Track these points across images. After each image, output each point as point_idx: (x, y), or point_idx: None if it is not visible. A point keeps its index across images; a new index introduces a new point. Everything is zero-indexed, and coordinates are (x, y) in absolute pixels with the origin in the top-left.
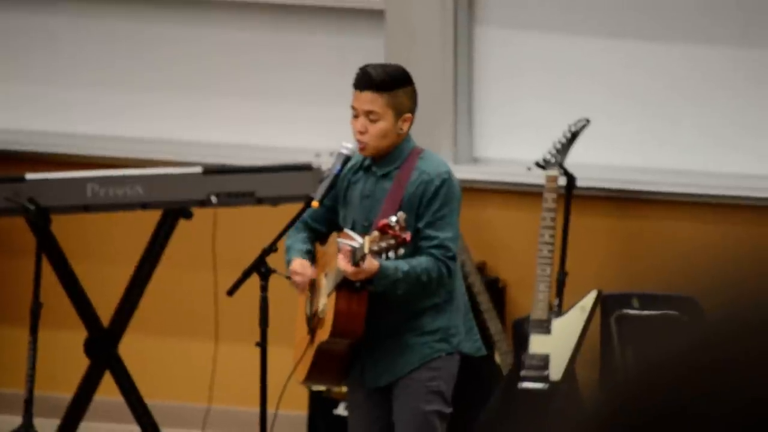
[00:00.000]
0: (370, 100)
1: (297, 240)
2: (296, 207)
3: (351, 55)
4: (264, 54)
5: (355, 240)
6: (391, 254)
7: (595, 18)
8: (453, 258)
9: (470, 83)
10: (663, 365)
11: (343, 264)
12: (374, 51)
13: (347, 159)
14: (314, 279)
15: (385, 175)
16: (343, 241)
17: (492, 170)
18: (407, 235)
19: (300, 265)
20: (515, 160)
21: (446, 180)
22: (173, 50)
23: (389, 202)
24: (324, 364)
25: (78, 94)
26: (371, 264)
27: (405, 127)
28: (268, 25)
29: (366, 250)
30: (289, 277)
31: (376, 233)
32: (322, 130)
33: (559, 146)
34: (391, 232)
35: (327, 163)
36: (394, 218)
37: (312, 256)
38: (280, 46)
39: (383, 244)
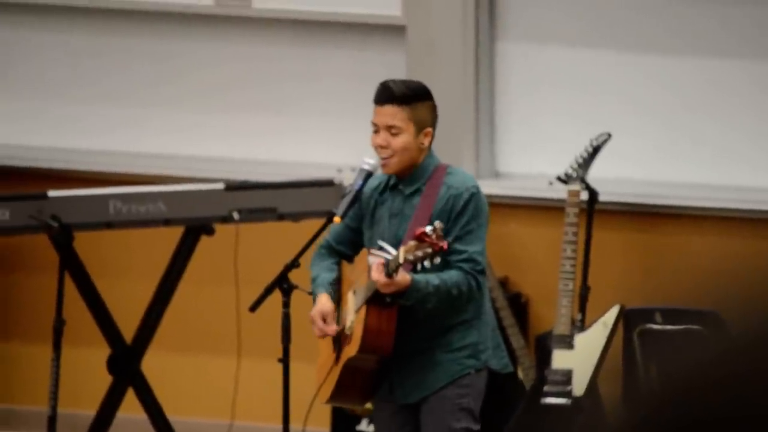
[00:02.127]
0: (392, 113)
1: (323, 268)
2: (318, 223)
3: (373, 71)
4: (286, 69)
5: (389, 252)
6: (426, 263)
7: (615, 33)
8: (482, 272)
9: (492, 98)
10: (686, 378)
11: (376, 274)
12: (396, 66)
13: (369, 174)
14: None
15: (412, 193)
16: (376, 253)
17: (514, 185)
18: (444, 243)
19: (322, 313)
20: (537, 174)
21: (475, 194)
22: (195, 66)
23: (418, 218)
24: (350, 382)
25: (99, 111)
26: (403, 277)
27: (426, 141)
28: (290, 41)
29: (401, 260)
30: (311, 293)
31: (412, 242)
32: (343, 145)
33: (580, 161)
34: (428, 240)
35: (349, 179)
36: (430, 227)
37: (338, 285)
38: (302, 61)
39: (419, 253)
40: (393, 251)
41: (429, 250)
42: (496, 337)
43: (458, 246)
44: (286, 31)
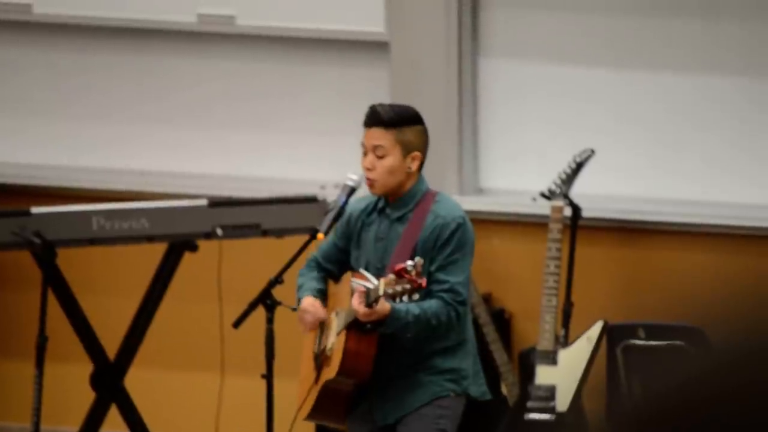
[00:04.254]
0: (378, 136)
1: (309, 278)
2: (302, 239)
3: (356, 87)
4: (270, 86)
5: (370, 281)
6: (404, 299)
7: (598, 48)
8: (463, 303)
9: (475, 114)
10: (670, 395)
11: (356, 304)
12: (379, 83)
13: (353, 190)
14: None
15: (399, 218)
16: (358, 281)
17: (497, 201)
18: (423, 281)
19: (311, 303)
20: (520, 190)
21: (461, 225)
22: (178, 83)
23: (403, 245)
24: (328, 403)
25: (83, 127)
26: (383, 306)
27: (414, 165)
28: (273, 57)
29: (381, 293)
30: (295, 309)
31: (392, 276)
32: (327, 162)
33: (564, 177)
34: (407, 276)
35: (332, 195)
36: (411, 263)
37: (324, 296)
38: (286, 78)
39: (398, 288)
40: (374, 281)
41: (408, 286)
42: (476, 364)
43: (441, 276)
44: (270, 48)
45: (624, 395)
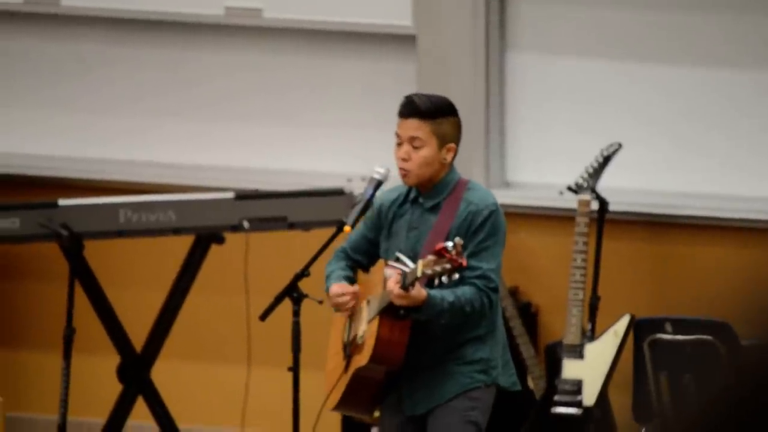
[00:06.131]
0: (415, 127)
1: (338, 267)
2: (328, 232)
3: (383, 80)
4: (296, 79)
5: (407, 265)
6: (444, 279)
7: (624, 44)
8: (495, 289)
9: (502, 108)
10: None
11: (392, 285)
12: (406, 76)
13: (379, 183)
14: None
15: (431, 208)
16: (394, 264)
17: (524, 195)
18: (464, 260)
19: (340, 287)
20: (547, 184)
21: (494, 212)
22: (205, 75)
23: (436, 233)
24: (358, 391)
25: (110, 120)
26: (419, 292)
27: (449, 157)
28: (300, 51)
29: (419, 274)
30: (321, 302)
31: (430, 257)
32: (353, 155)
33: (591, 170)
34: (447, 255)
35: (359, 188)
36: (450, 243)
37: (353, 284)
38: (313, 71)
39: (438, 268)
40: (411, 264)
41: (448, 266)
42: (506, 354)
43: (473, 262)
44: (297, 41)
45: (650, 390)
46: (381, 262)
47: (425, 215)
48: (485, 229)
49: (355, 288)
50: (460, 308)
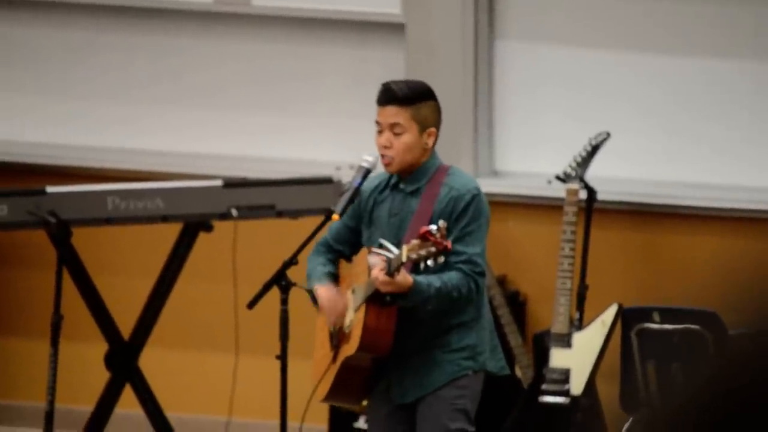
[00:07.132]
0: (394, 113)
1: (317, 264)
2: (317, 220)
3: (371, 69)
4: (285, 67)
5: (390, 251)
6: (429, 263)
7: (614, 32)
8: (481, 274)
9: (490, 96)
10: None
11: (377, 272)
12: (394, 64)
13: (368, 172)
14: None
15: (412, 192)
16: (378, 251)
17: (512, 183)
18: (448, 243)
19: (328, 294)
20: (536, 173)
21: (476, 196)
22: (193, 63)
23: (418, 218)
24: (347, 381)
25: (99, 107)
26: (405, 278)
27: (430, 141)
28: (289, 38)
29: (403, 259)
30: (310, 290)
31: (415, 241)
32: (342, 143)
33: (579, 159)
34: (432, 239)
35: (347, 177)
36: (434, 226)
37: (335, 279)
38: (301, 59)
39: (422, 252)
40: (395, 250)
41: (433, 249)
42: (493, 339)
43: (458, 247)
44: (285, 29)
45: (638, 379)
46: (364, 251)
47: (406, 200)
48: (468, 213)
49: (343, 301)
50: (447, 294)
